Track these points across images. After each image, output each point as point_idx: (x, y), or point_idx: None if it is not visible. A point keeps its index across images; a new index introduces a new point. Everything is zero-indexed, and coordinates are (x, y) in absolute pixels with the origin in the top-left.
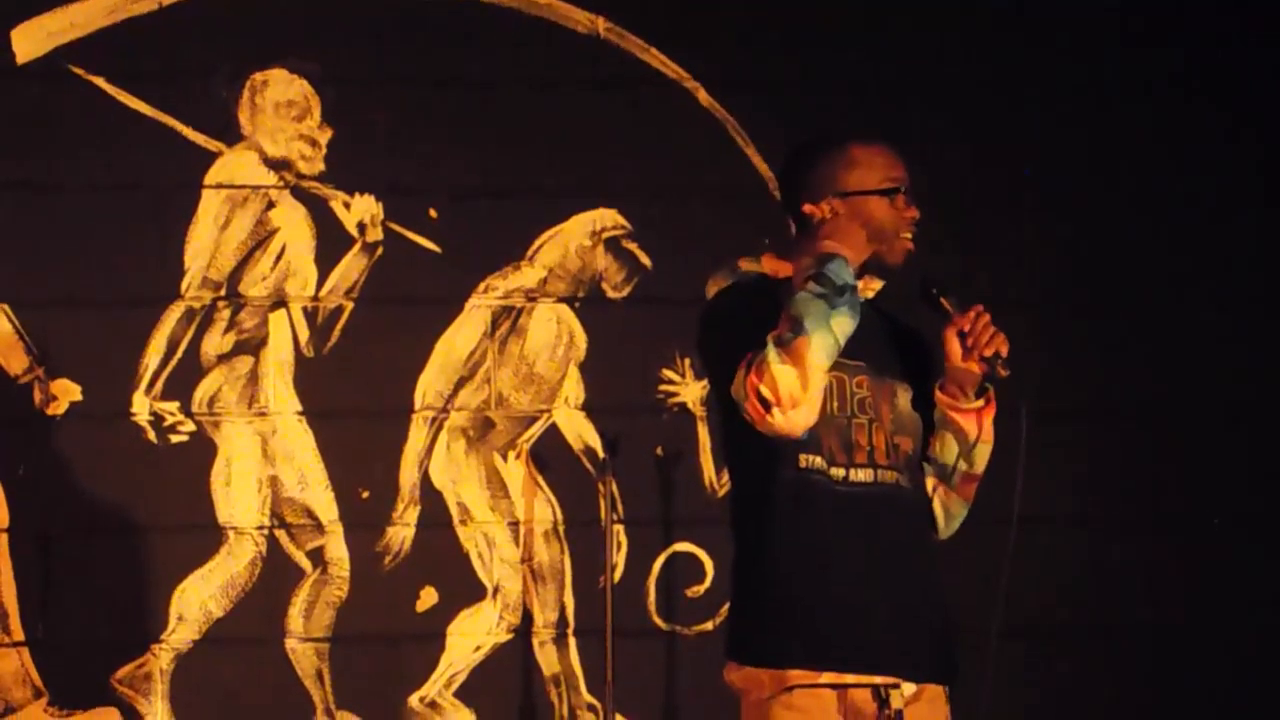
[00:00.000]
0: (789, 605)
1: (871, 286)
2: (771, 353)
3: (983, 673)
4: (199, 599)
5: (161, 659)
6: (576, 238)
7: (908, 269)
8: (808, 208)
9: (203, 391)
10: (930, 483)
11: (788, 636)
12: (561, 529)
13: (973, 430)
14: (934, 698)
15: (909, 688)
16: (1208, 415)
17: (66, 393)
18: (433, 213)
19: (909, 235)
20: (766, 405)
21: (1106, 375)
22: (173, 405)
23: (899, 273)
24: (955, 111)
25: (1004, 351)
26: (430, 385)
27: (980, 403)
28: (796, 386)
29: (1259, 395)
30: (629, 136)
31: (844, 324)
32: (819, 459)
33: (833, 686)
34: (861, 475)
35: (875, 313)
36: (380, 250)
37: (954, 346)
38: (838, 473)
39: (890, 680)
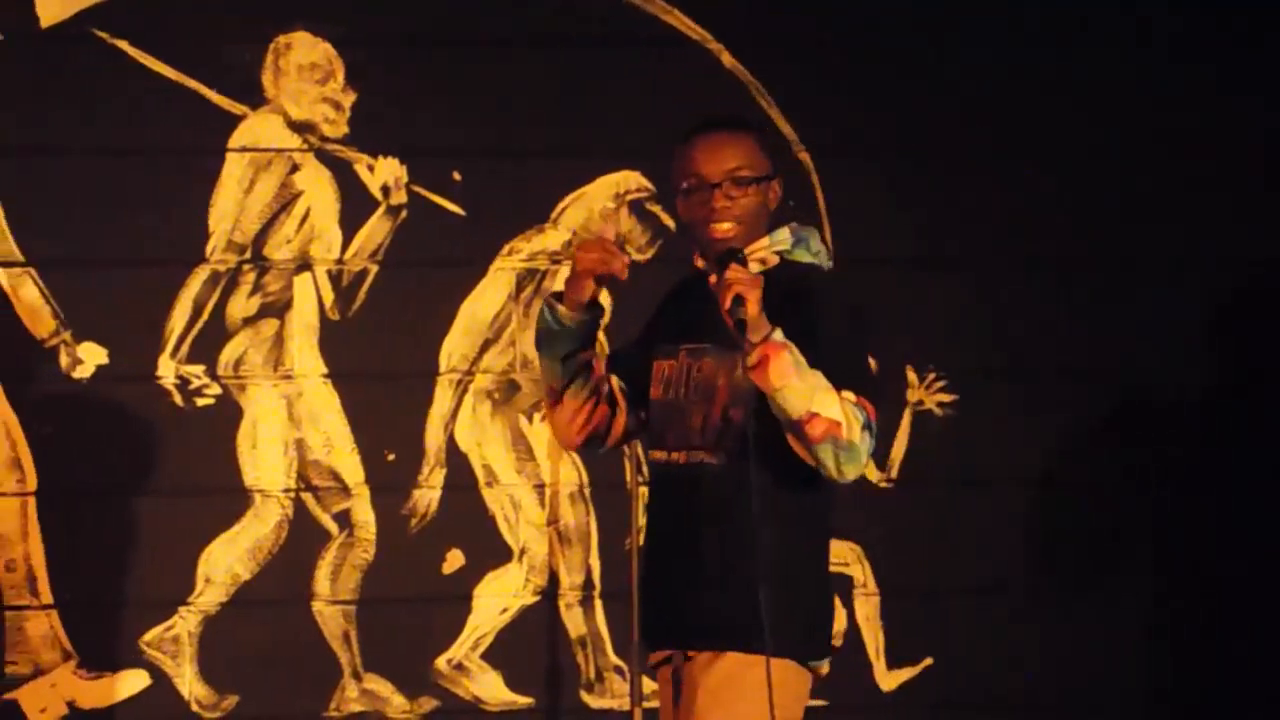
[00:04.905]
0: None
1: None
2: None
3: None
4: (226, 562)
5: (189, 621)
6: (600, 200)
7: None
8: None
9: (228, 354)
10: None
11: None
12: (587, 491)
13: (762, 383)
14: (709, 661)
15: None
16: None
17: (92, 356)
18: (456, 175)
19: (721, 225)
20: None
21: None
22: (198, 368)
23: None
24: (980, 73)
25: (727, 300)
26: (455, 348)
27: (753, 360)
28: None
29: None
30: (652, 99)
31: (543, 372)
32: (657, 449)
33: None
34: (678, 457)
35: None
36: (404, 213)
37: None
38: (659, 455)
39: (667, 654)
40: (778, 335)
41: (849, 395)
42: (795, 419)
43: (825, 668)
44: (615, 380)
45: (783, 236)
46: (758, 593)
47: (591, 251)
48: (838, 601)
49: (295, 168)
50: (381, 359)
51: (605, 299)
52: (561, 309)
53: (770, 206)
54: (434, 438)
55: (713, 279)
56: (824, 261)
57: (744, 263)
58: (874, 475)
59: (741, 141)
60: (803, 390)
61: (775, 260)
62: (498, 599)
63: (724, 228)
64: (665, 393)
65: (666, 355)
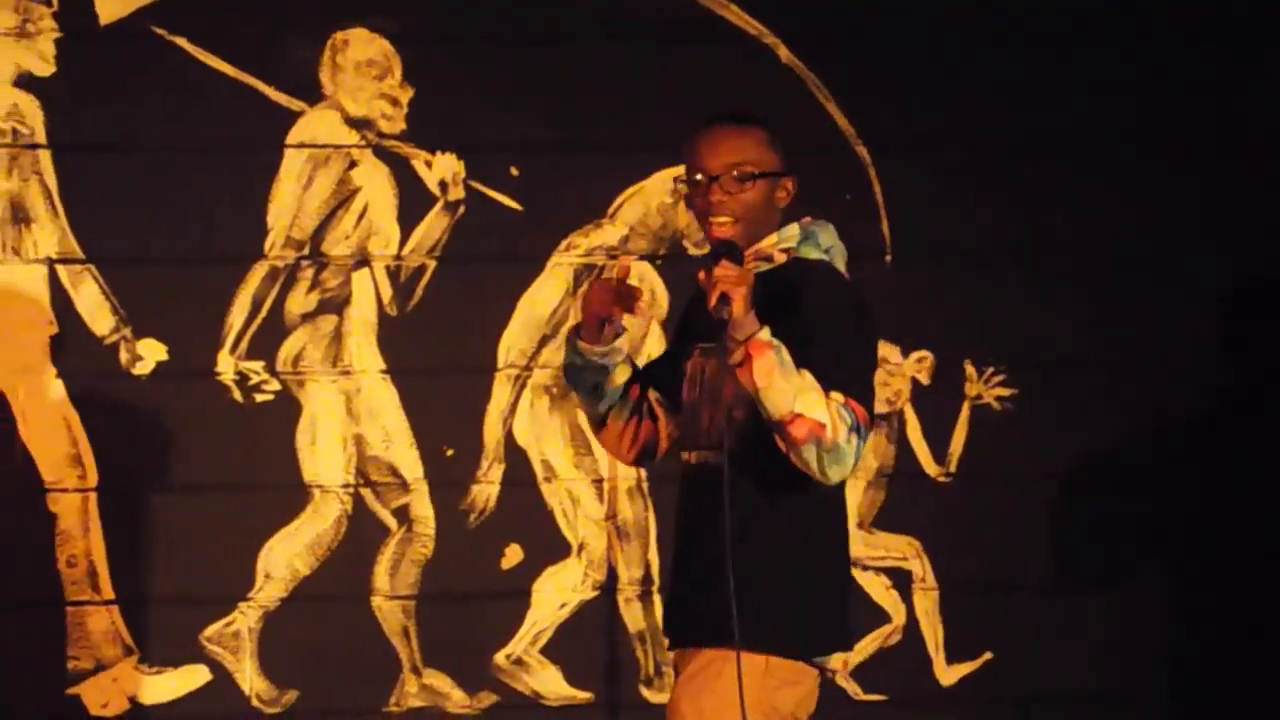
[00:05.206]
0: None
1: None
2: None
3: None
4: (285, 557)
5: (249, 617)
6: (658, 195)
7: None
8: None
9: (287, 350)
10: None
11: None
12: (645, 486)
13: (745, 382)
14: (690, 656)
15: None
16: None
17: (152, 352)
18: (514, 171)
19: (718, 219)
20: None
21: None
22: (257, 364)
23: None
24: (1035, 65)
25: (713, 298)
26: (513, 343)
27: (736, 358)
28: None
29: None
30: (710, 94)
31: (580, 403)
32: (684, 449)
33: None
34: (692, 458)
35: (763, 283)
36: (462, 209)
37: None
38: (683, 456)
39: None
40: (763, 334)
41: (837, 396)
42: (778, 419)
43: (836, 663)
44: (652, 394)
45: (791, 233)
46: (730, 588)
47: (600, 294)
48: (895, 596)
49: (353, 164)
50: (439, 354)
51: (662, 291)
52: (581, 344)
53: (780, 204)
54: (492, 433)
55: (701, 275)
56: (836, 258)
57: (739, 260)
58: (933, 470)
59: (747, 136)
60: (786, 390)
61: (783, 258)
62: (557, 594)
63: (720, 221)
64: (688, 394)
65: (689, 356)
